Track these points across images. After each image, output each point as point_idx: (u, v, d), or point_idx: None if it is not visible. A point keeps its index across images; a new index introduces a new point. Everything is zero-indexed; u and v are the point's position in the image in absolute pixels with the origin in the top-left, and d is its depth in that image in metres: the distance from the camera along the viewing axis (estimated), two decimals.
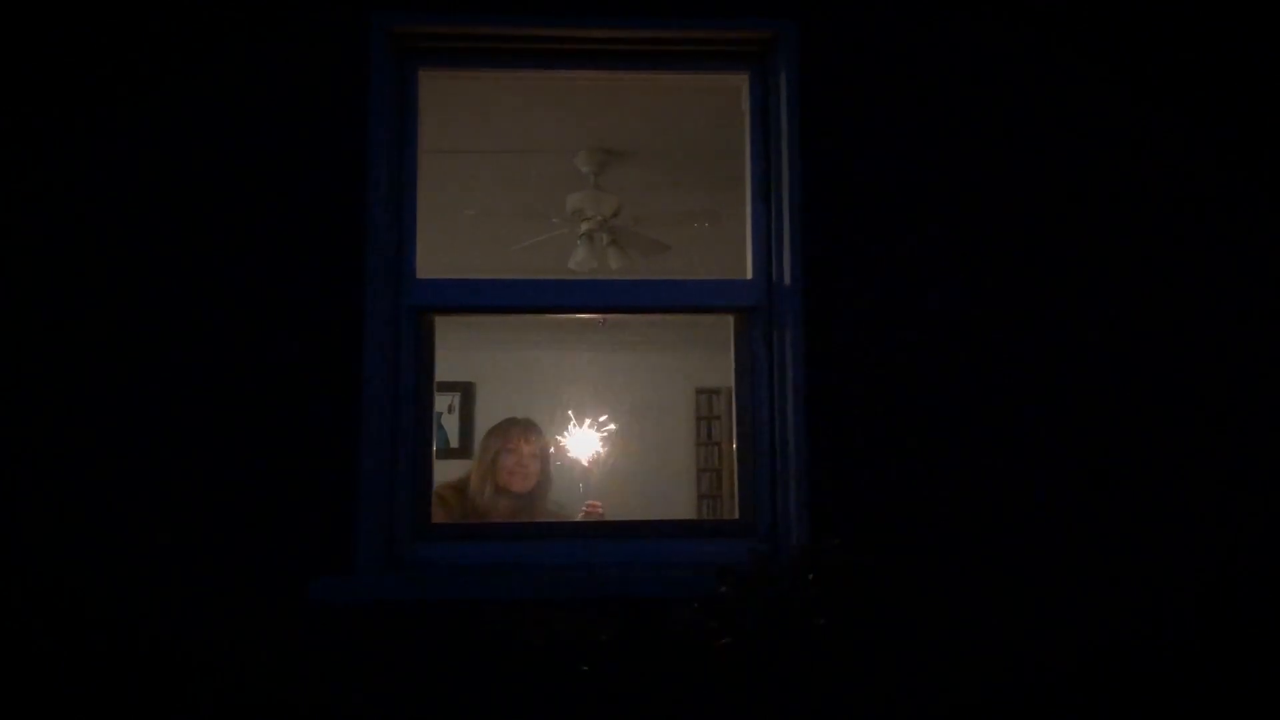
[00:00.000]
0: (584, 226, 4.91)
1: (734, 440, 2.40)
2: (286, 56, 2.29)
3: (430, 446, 2.34)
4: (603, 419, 5.58)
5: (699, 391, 7.87)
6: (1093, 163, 2.34)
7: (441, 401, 7.15)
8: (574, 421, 5.53)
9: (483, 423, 6.91)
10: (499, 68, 2.44)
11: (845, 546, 1.98)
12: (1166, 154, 2.36)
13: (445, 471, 3.15)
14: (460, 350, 7.04)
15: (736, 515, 2.36)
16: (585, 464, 5.36)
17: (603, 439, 5.42)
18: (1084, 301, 2.29)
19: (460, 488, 3.28)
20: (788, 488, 2.25)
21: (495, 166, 4.67)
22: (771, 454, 2.32)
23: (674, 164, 4.71)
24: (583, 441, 5.47)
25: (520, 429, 3.34)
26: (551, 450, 3.74)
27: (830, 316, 2.27)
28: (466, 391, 7.45)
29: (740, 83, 2.46)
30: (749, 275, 2.40)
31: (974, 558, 2.20)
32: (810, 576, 1.90)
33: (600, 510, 3.42)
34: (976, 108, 2.35)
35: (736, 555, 2.20)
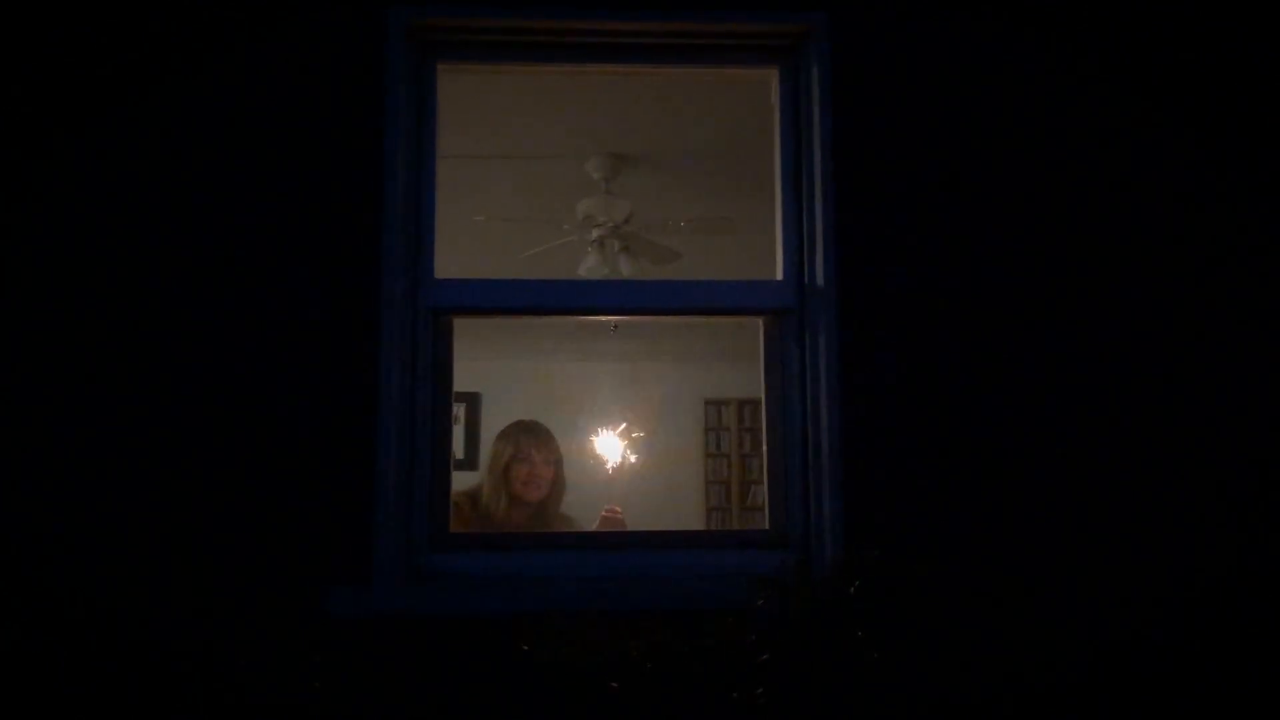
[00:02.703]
0: (595, 233, 4.83)
1: (764, 446, 2.31)
2: (302, 51, 2.22)
3: (449, 452, 2.26)
4: (631, 430, 5.62)
5: (708, 403, 7.79)
6: (1139, 158, 2.27)
7: None
8: (603, 427, 5.56)
9: (489, 434, 6.82)
10: (520, 62, 2.37)
11: (887, 558, 1.89)
12: (1211, 153, 2.28)
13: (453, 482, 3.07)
14: (465, 360, 6.95)
15: (766, 525, 2.28)
16: (610, 469, 5.36)
17: (629, 446, 5.42)
18: (1136, 301, 2.22)
19: (475, 495, 3.19)
20: (821, 497, 2.17)
21: (505, 172, 4.61)
22: (804, 462, 2.23)
23: (687, 170, 4.64)
24: (608, 446, 5.47)
25: (531, 436, 3.23)
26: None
27: (865, 318, 2.19)
28: (472, 402, 7.37)
29: (769, 77, 2.38)
30: (779, 276, 2.32)
31: (1018, 569, 2.12)
32: (852, 589, 1.81)
33: (620, 515, 3.30)
34: (1015, 100, 2.27)
35: (768, 566, 2.12)
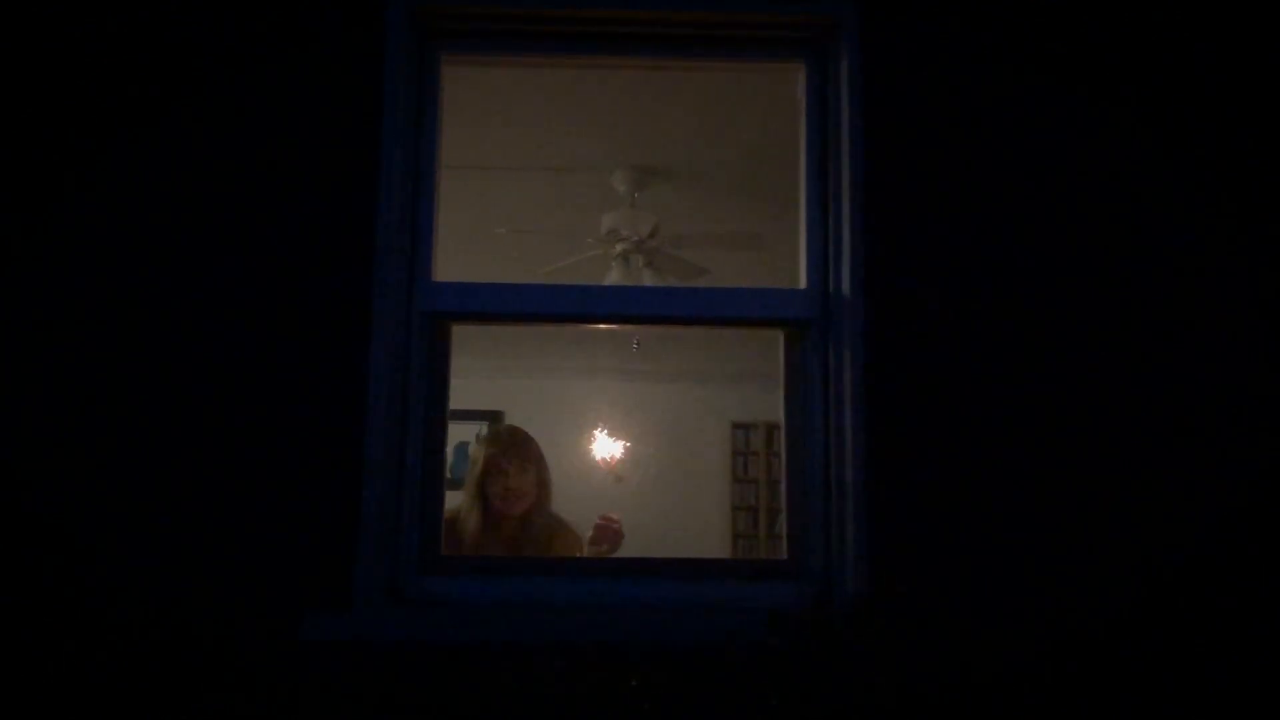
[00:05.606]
0: (619, 247, 4.71)
1: (783, 469, 2.13)
2: (296, 39, 2.09)
3: (443, 469, 2.10)
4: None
5: (735, 426, 7.61)
6: (1183, 171, 2.08)
7: (469, 430, 6.95)
8: (599, 429, 5.91)
9: None
10: (529, 53, 2.23)
11: (914, 593, 1.71)
12: (1246, 171, 2.09)
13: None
14: (488, 377, 6.91)
15: (784, 555, 2.10)
16: (607, 461, 5.55)
17: (625, 446, 5.68)
18: (1181, 318, 2.03)
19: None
20: (844, 525, 1.99)
21: (528, 184, 4.51)
22: (825, 486, 2.05)
23: (716, 184, 4.52)
24: (605, 445, 5.80)
25: (501, 449, 2.98)
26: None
27: (894, 330, 2.02)
28: (494, 420, 7.27)
29: (795, 73, 2.23)
30: (802, 284, 2.15)
31: (1063, 609, 1.92)
32: (875, 628, 1.62)
33: (617, 524, 3.05)
34: (1057, 101, 2.09)
35: (784, 600, 1.96)
